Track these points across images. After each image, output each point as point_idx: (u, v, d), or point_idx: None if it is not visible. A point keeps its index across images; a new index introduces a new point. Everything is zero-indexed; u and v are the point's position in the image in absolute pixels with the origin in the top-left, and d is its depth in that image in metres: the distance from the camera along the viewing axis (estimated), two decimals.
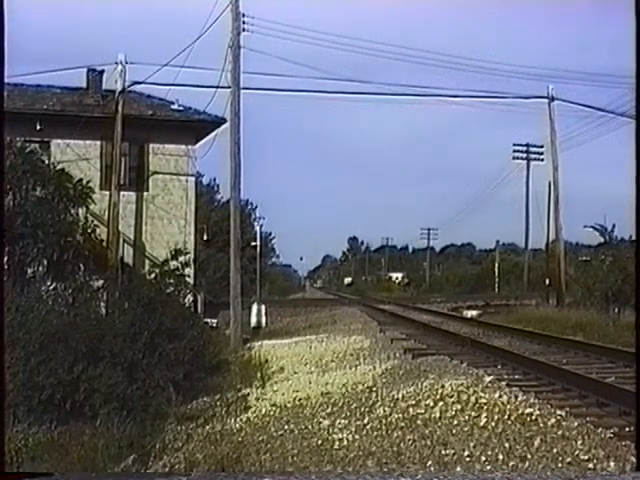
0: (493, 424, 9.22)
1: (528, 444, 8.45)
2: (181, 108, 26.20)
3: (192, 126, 26.23)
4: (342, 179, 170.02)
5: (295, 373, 15.41)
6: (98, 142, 25.28)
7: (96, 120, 24.62)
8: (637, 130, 4.10)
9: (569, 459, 7.97)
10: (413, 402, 10.39)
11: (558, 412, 9.56)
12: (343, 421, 10.12)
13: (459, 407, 9.91)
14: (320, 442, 9.37)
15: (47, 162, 21.72)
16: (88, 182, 21.24)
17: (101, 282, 18.54)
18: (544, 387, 12.26)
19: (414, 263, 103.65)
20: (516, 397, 10.25)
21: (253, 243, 44.34)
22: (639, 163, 3.98)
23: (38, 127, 23.84)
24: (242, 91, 22.90)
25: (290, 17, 31.91)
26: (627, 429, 8.90)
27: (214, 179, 48.54)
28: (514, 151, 54.98)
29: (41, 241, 18.64)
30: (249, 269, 40.02)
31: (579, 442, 8.39)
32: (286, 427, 10.28)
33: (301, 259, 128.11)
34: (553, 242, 36.30)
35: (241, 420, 11.26)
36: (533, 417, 9.33)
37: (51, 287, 17.78)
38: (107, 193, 24.44)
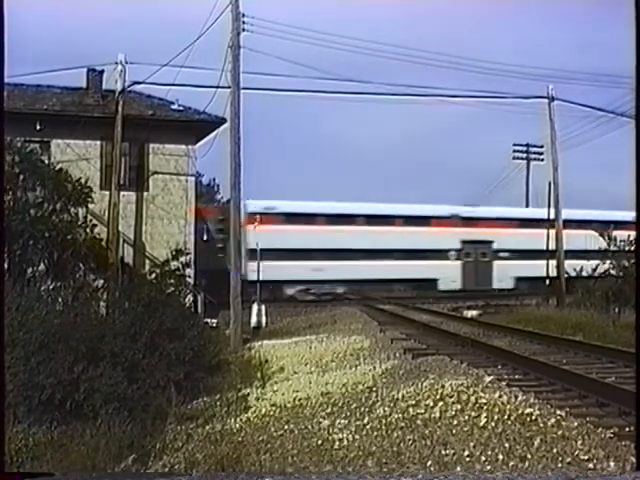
0: (493, 424, 9.21)
1: (528, 444, 8.45)
2: (181, 108, 26.23)
3: (192, 126, 26.25)
4: (342, 179, 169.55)
5: (295, 373, 15.38)
6: (98, 142, 25.30)
7: (96, 120, 24.63)
8: (637, 130, 4.10)
9: (569, 459, 7.98)
10: (413, 402, 10.38)
11: (558, 412, 9.56)
12: (343, 421, 10.11)
13: (459, 407, 9.91)
14: (320, 442, 9.38)
15: (47, 162, 21.75)
16: (87, 182, 21.26)
17: (101, 282, 18.56)
18: (544, 387, 12.24)
19: None
20: (516, 397, 10.23)
21: None
22: (639, 163, 3.98)
23: (38, 127, 23.85)
24: (242, 91, 22.89)
25: (290, 17, 31.75)
26: (627, 429, 8.90)
27: (214, 179, 48.64)
28: (514, 151, 55.01)
29: (41, 239, 18.64)
30: None
31: (579, 442, 8.39)
32: (286, 427, 10.28)
33: None
34: None
35: (241, 420, 11.26)
36: (533, 417, 9.32)
37: (51, 287, 17.77)
38: (107, 193, 24.45)
